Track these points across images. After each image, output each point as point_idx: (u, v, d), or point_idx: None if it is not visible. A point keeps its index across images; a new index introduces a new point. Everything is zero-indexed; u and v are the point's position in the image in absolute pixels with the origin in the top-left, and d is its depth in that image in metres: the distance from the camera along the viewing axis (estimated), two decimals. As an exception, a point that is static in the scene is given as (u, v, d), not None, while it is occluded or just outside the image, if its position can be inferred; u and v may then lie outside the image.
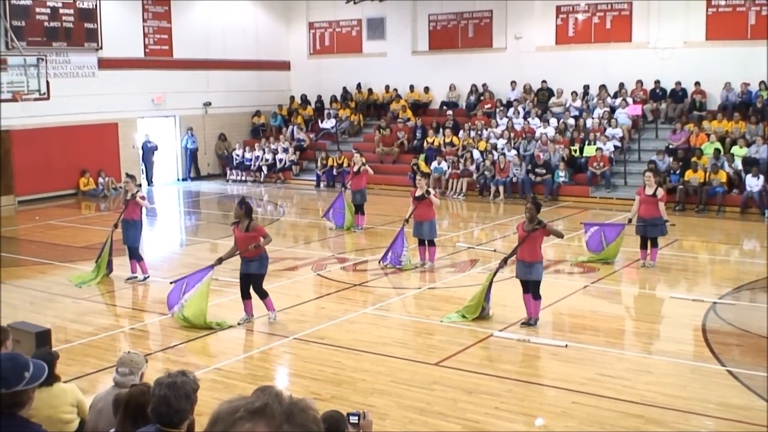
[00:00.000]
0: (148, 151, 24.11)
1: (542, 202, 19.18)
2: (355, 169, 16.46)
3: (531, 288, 9.63)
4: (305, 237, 16.76)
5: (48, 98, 20.53)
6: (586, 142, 21.05)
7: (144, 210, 12.73)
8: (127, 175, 13.04)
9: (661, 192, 12.59)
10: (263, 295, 9.89)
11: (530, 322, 9.67)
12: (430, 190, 13.42)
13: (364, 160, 16.98)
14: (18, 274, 12.89)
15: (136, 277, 12.24)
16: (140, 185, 22.16)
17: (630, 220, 12.75)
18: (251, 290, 9.89)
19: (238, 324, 9.91)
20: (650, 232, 12.60)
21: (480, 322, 9.80)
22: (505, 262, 9.78)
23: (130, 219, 12.12)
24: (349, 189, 16.56)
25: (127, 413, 4.07)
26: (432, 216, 12.90)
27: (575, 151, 20.94)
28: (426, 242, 13.01)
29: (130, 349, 5.73)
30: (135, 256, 12.23)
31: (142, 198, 12.30)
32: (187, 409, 3.68)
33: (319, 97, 27.20)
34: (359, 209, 16.29)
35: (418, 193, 12.86)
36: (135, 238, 12.16)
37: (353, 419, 4.02)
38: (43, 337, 7.25)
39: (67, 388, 5.22)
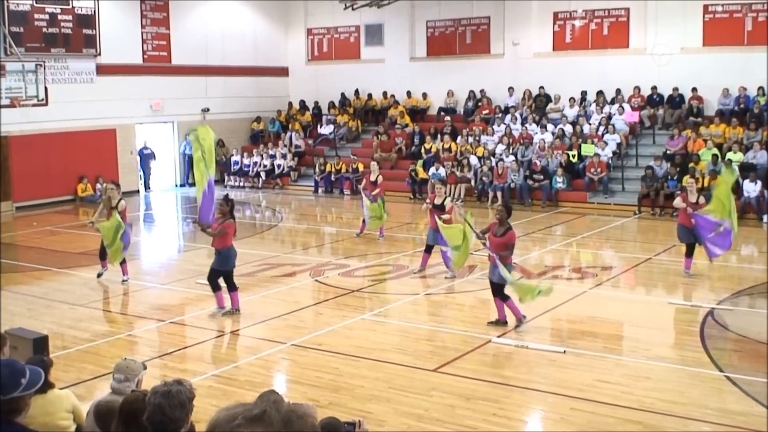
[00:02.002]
0: (145, 158, 24.13)
1: (540, 207, 19.46)
2: (372, 178, 16.04)
3: (495, 290, 9.80)
4: (303, 243, 16.75)
5: (46, 104, 20.56)
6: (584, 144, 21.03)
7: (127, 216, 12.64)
8: (112, 182, 13.11)
9: (702, 200, 12.41)
10: (231, 288, 10.49)
11: (521, 322, 9.80)
12: (448, 200, 13.42)
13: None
14: (16, 280, 12.86)
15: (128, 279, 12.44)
16: (138, 191, 22.22)
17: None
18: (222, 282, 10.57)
19: (210, 316, 10.44)
20: (696, 239, 12.42)
21: (478, 328, 9.80)
22: (482, 234, 9.94)
23: None
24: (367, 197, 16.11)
25: (120, 420, 4.05)
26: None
27: (573, 156, 20.89)
28: (428, 248, 13.00)
29: (127, 356, 5.71)
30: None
31: (124, 211, 12.27)
32: (182, 418, 3.66)
33: (317, 103, 27.22)
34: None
35: (438, 201, 12.90)
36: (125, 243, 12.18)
37: (348, 428, 3.99)
38: (41, 343, 7.24)
39: (63, 394, 5.20)
